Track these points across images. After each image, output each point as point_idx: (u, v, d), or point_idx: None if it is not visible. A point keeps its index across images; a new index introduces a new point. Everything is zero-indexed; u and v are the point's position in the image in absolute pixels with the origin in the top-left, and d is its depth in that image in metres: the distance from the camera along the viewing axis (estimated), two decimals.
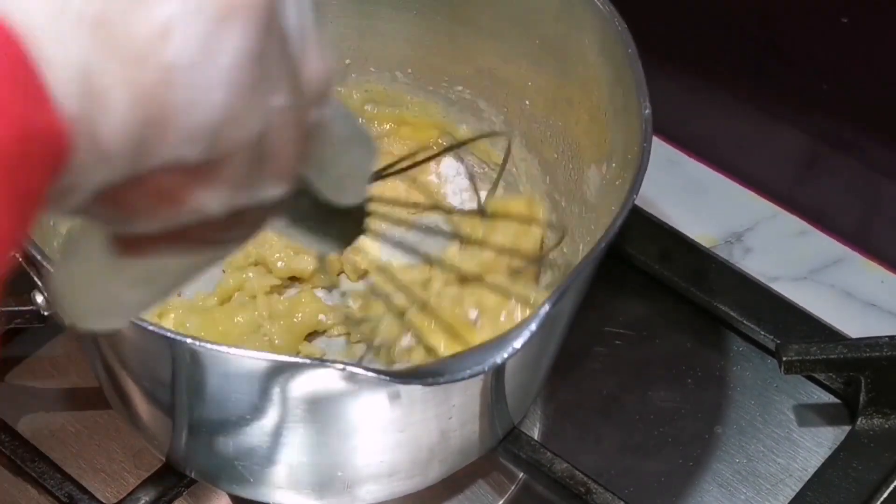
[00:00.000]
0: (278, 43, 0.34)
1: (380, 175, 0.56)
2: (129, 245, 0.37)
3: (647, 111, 0.61)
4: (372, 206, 0.49)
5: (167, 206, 0.34)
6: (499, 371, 0.60)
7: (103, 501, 0.69)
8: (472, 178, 0.80)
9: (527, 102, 0.75)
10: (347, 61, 0.79)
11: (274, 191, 0.36)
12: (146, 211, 0.35)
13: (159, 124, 0.32)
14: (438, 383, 0.52)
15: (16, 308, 0.71)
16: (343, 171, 0.43)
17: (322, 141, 0.39)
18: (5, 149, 0.29)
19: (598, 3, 0.65)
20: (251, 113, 0.34)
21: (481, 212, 0.74)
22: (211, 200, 0.35)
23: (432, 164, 0.80)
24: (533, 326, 0.52)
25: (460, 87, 0.78)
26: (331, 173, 0.43)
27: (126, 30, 0.31)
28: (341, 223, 0.48)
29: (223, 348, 0.54)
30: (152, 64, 0.31)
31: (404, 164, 0.62)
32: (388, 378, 0.53)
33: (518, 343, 0.52)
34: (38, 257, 0.56)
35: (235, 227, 0.37)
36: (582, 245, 0.71)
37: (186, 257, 0.38)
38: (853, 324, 0.78)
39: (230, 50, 0.32)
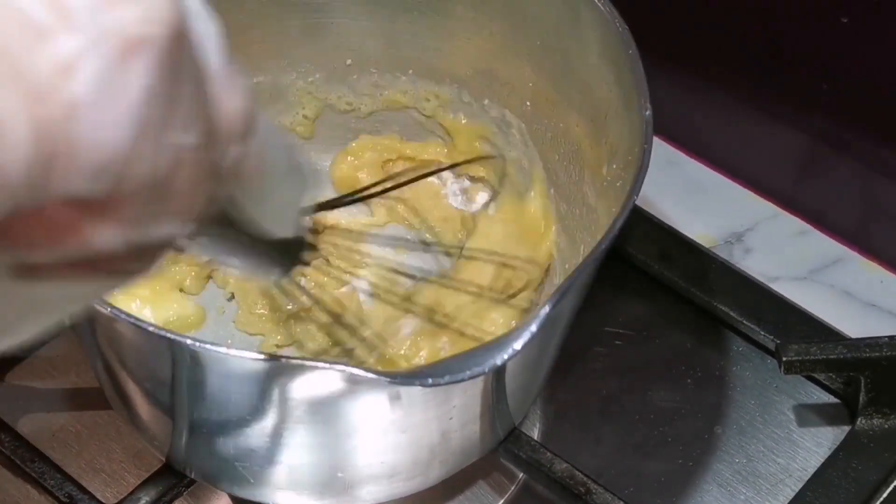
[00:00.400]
0: (189, 80, 0.34)
1: (346, 201, 0.57)
2: (25, 270, 0.36)
3: (647, 112, 0.61)
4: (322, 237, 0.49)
5: (62, 239, 0.34)
6: (499, 372, 0.60)
7: (103, 502, 0.69)
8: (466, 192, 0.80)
9: (528, 103, 0.75)
10: (349, 62, 0.79)
11: (174, 229, 0.36)
12: (40, 243, 0.34)
13: (60, 159, 0.31)
14: (439, 385, 0.51)
15: None
16: (274, 204, 0.43)
17: (246, 176, 0.39)
18: None
19: (599, 5, 0.65)
20: (156, 151, 0.33)
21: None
22: (108, 236, 0.34)
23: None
24: (533, 328, 0.52)
25: (461, 88, 0.78)
26: (260, 207, 0.42)
27: (29, 64, 0.30)
28: (278, 253, 0.48)
29: (223, 349, 0.54)
30: (55, 99, 0.31)
31: (388, 185, 0.62)
32: (388, 379, 0.53)
33: (518, 344, 0.52)
34: None
35: (137, 258, 0.37)
36: (582, 246, 0.71)
37: (84, 285, 0.37)
38: (853, 324, 0.78)
39: (134, 88, 0.32)
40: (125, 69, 0.32)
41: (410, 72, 0.78)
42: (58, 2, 0.31)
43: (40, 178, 0.32)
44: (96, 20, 0.31)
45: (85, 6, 0.31)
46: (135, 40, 0.32)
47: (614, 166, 0.65)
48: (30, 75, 0.30)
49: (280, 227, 0.45)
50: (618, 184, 0.63)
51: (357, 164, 0.81)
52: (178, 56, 0.33)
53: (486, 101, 0.77)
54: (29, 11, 0.30)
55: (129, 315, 0.55)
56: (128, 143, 0.32)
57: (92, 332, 0.61)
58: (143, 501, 0.68)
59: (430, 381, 0.51)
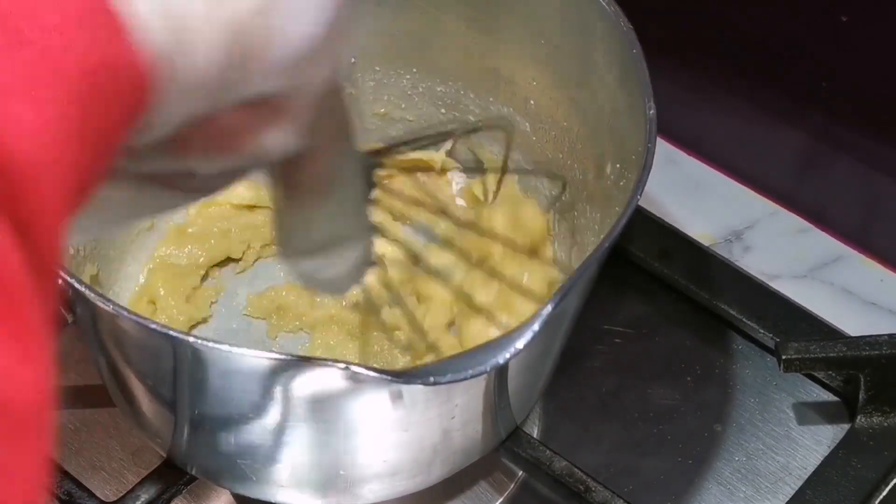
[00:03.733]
0: None
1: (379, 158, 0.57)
2: (153, 178, 0.37)
3: (651, 112, 0.61)
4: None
5: (236, 145, 0.35)
6: (502, 371, 0.60)
7: (103, 499, 0.69)
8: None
9: (532, 102, 0.75)
10: (353, 60, 0.79)
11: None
12: (215, 150, 0.35)
13: (245, 56, 0.32)
14: (441, 383, 0.51)
15: None
16: (321, 256, 0.44)
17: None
18: (76, 83, 0.28)
19: (604, 4, 0.65)
20: (328, 49, 0.34)
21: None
22: (279, 139, 0.35)
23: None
24: (535, 326, 0.52)
25: (465, 86, 0.78)
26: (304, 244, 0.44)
27: None
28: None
29: (225, 346, 0.54)
30: None
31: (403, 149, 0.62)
32: (389, 378, 0.53)
33: (521, 343, 0.52)
34: None
35: (222, 176, 0.38)
36: (585, 245, 0.71)
37: (177, 195, 0.38)
38: (853, 322, 0.79)
39: None
40: None
41: (414, 70, 0.78)
42: None
43: (225, 77, 0.32)
44: None
45: None
46: None
47: (618, 165, 0.65)
48: None
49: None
50: (621, 182, 0.63)
51: None
52: None
53: (490, 99, 0.77)
54: None
55: (131, 312, 0.55)
56: (319, 34, 0.33)
57: (94, 327, 0.61)
58: (143, 499, 0.68)
59: (431, 379, 0.51)
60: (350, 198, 0.44)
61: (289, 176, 0.40)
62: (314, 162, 0.40)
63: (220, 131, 0.34)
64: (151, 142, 0.33)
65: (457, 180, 0.81)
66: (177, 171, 0.36)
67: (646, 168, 0.59)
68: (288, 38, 0.33)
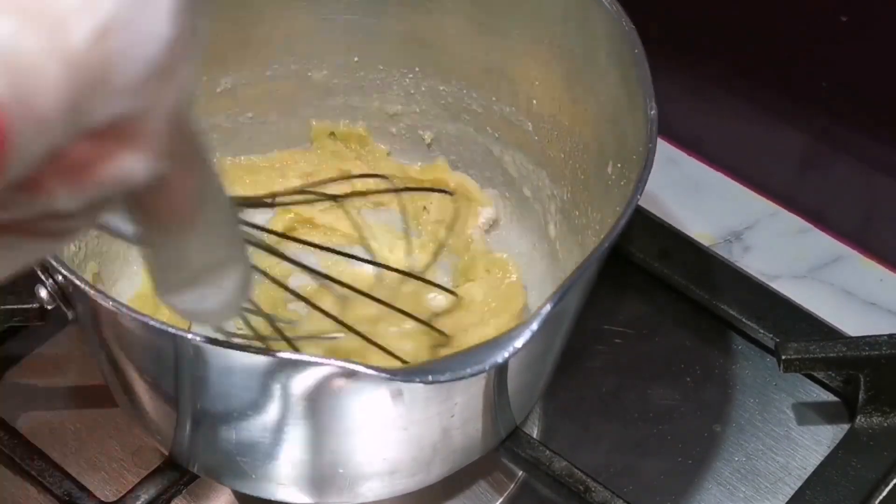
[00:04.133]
0: None
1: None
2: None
3: (652, 111, 0.61)
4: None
5: (87, 177, 0.33)
6: (501, 370, 0.60)
7: (103, 499, 0.69)
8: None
9: (534, 101, 0.75)
10: (356, 59, 0.79)
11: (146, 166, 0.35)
12: (63, 188, 0.34)
13: (91, 85, 0.31)
14: (440, 381, 0.51)
15: (15, 306, 0.71)
16: (196, 286, 0.43)
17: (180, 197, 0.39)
18: None
19: (606, 3, 0.65)
20: (174, 68, 0.34)
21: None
22: (135, 166, 0.34)
23: None
24: (534, 326, 0.52)
25: (468, 86, 0.78)
26: (177, 276, 0.42)
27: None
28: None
29: (225, 344, 0.54)
30: (83, 25, 0.31)
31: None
32: (389, 376, 0.53)
33: (519, 342, 0.52)
34: None
35: (82, 216, 0.36)
36: (585, 244, 0.71)
37: (31, 244, 0.36)
38: (852, 322, 0.79)
39: None
40: None
41: (416, 69, 0.79)
42: None
43: (82, 104, 0.31)
44: None
45: None
46: None
47: (619, 165, 0.65)
48: (51, 8, 0.30)
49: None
50: (622, 182, 0.63)
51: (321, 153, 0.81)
52: None
53: (493, 99, 0.77)
54: None
55: (131, 309, 0.55)
56: (162, 53, 0.32)
57: (96, 325, 0.61)
58: (143, 499, 0.68)
59: (430, 377, 0.51)
60: (219, 223, 0.42)
61: (151, 206, 0.39)
62: (174, 188, 0.38)
63: (72, 163, 0.33)
64: (3, 188, 0.32)
65: (485, 214, 0.81)
66: (33, 214, 0.34)
67: (646, 168, 0.59)
68: (131, 61, 0.32)
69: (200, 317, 0.48)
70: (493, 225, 0.81)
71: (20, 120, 0.30)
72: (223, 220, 0.43)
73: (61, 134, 0.32)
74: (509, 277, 0.77)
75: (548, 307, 0.52)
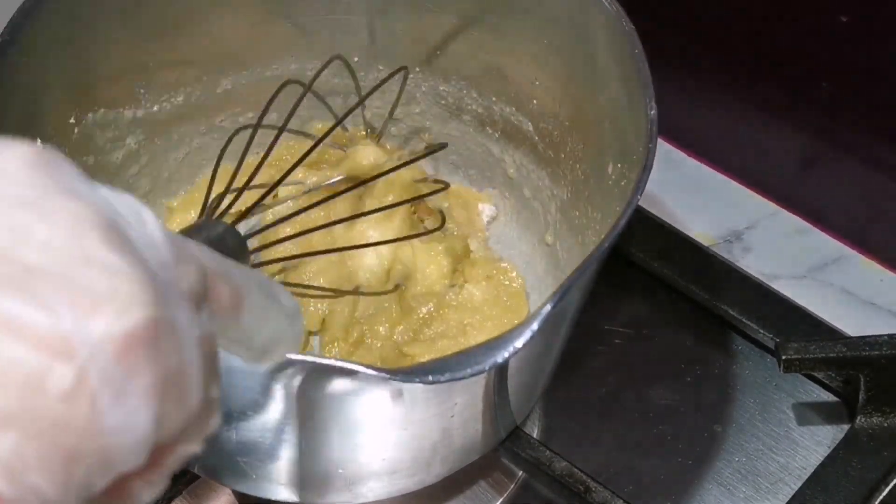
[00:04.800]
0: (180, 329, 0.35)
1: None
2: None
3: (652, 112, 0.61)
4: None
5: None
6: (501, 370, 0.60)
7: None
8: None
9: (534, 101, 0.75)
10: (356, 58, 0.79)
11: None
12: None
13: (95, 467, 0.33)
14: (439, 382, 0.51)
15: None
16: (265, 339, 0.45)
17: (238, 319, 0.41)
18: None
19: (606, 3, 0.65)
20: (181, 404, 0.35)
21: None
22: (155, 482, 0.36)
23: None
24: (534, 326, 0.52)
25: (468, 85, 0.78)
26: (252, 344, 0.45)
27: (39, 409, 0.32)
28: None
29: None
30: (73, 426, 0.32)
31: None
32: (388, 376, 0.52)
33: (519, 342, 0.52)
34: None
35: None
36: (585, 244, 0.71)
37: None
38: (852, 322, 0.79)
39: (142, 376, 0.33)
40: (127, 367, 0.33)
41: (417, 69, 0.79)
42: (44, 338, 0.32)
43: (80, 492, 0.33)
44: (81, 338, 0.32)
45: (71, 331, 0.32)
46: (122, 342, 0.33)
47: (619, 165, 0.65)
48: (42, 420, 0.32)
49: (275, 357, 0.47)
50: (622, 183, 0.63)
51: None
52: (166, 320, 0.34)
53: (493, 99, 0.77)
54: (21, 361, 0.31)
55: None
56: (152, 418, 0.34)
57: None
58: None
59: (430, 378, 0.51)
60: (261, 300, 0.44)
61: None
62: (218, 297, 0.40)
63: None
64: None
65: (487, 212, 0.81)
66: None
67: (646, 168, 0.59)
68: (123, 440, 0.33)
69: (279, 356, 0.50)
70: (493, 220, 0.81)
71: None
72: (263, 296, 0.44)
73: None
74: (512, 284, 0.77)
75: (548, 307, 0.52)
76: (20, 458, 0.31)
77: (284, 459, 0.62)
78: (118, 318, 0.33)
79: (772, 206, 0.87)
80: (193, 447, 0.37)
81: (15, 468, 0.31)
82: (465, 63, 0.77)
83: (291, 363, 0.54)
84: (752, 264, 0.83)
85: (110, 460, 0.33)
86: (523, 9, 0.72)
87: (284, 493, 0.65)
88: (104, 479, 0.34)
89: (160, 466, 0.36)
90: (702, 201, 0.87)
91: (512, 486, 0.73)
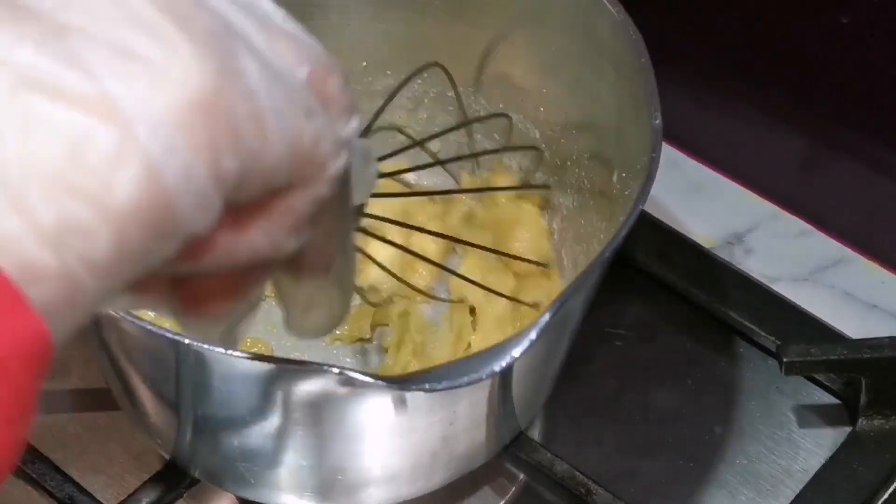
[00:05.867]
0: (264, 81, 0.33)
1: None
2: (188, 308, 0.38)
3: (657, 121, 0.61)
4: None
5: (224, 254, 0.34)
6: (505, 377, 0.60)
7: (104, 503, 0.69)
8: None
9: (541, 109, 0.75)
10: (364, 64, 0.79)
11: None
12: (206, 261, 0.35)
13: (160, 224, 0.31)
14: (436, 390, 0.51)
15: None
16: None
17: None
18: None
19: (613, 11, 0.65)
20: (277, 141, 0.33)
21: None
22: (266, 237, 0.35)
23: None
24: (533, 335, 0.52)
25: (475, 92, 0.78)
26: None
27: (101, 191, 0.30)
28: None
29: (225, 350, 0.54)
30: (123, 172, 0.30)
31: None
32: (385, 384, 0.53)
33: (517, 351, 0.51)
34: None
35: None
36: (590, 253, 0.71)
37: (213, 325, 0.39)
38: (854, 325, 0.78)
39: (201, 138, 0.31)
40: (179, 126, 0.31)
41: (425, 75, 0.78)
42: (82, 98, 0.30)
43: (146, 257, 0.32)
44: (131, 103, 0.30)
45: (113, 94, 0.30)
46: (174, 107, 0.31)
47: (623, 174, 0.65)
48: (90, 184, 0.30)
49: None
50: (626, 192, 0.63)
51: None
52: (227, 73, 0.32)
53: (500, 106, 0.77)
54: (60, 122, 0.30)
55: (132, 315, 0.55)
56: (211, 171, 0.32)
57: (98, 330, 0.62)
58: (144, 503, 0.68)
59: (427, 386, 0.51)
60: (347, 260, 0.43)
61: (290, 264, 0.40)
62: (316, 250, 0.39)
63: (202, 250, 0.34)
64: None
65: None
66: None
67: (649, 178, 0.59)
68: (184, 194, 0.31)
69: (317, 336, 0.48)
70: None
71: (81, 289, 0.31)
72: (349, 259, 0.43)
73: (142, 265, 0.32)
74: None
75: (546, 316, 0.52)
76: (76, 226, 0.30)
77: (285, 465, 0.62)
78: (165, 86, 0.31)
79: (773, 208, 0.87)
80: (320, 189, 0.35)
81: (69, 239, 0.30)
82: (473, 70, 0.77)
83: (291, 370, 0.54)
84: (754, 266, 0.83)
85: (174, 219, 0.31)
86: (530, 16, 0.72)
87: (284, 498, 0.65)
88: (172, 244, 0.32)
89: (284, 212, 0.35)
90: (703, 203, 0.87)
91: (513, 489, 0.73)
